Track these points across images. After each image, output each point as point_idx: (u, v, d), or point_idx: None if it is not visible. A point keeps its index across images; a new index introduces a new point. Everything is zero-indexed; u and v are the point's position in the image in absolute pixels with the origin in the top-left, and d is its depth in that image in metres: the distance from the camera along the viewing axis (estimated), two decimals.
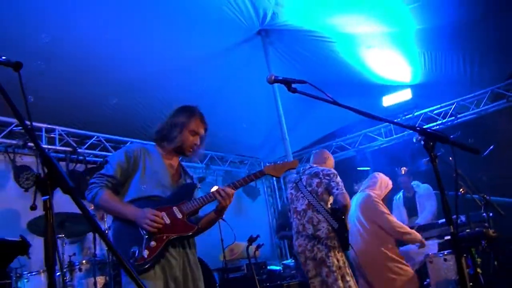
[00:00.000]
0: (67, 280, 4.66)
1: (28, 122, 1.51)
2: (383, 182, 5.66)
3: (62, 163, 6.77)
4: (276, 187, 10.58)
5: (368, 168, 8.66)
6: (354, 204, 5.45)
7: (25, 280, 4.57)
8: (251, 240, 5.09)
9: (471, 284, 4.38)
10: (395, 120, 8.38)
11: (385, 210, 5.32)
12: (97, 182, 2.86)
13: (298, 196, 4.71)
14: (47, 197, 1.36)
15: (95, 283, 4.73)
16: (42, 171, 1.39)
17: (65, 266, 4.83)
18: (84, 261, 4.98)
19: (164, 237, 2.81)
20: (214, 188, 3.01)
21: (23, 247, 1.48)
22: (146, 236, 2.76)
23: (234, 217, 8.60)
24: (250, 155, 9.80)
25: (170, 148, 3.09)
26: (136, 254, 2.71)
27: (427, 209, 6.45)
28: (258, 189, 9.60)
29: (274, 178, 10.53)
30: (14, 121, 6.11)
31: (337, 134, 9.51)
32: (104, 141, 7.11)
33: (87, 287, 4.77)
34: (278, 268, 7.62)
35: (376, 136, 8.97)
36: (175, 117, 3.13)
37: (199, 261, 5.25)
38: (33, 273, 4.71)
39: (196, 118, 3.13)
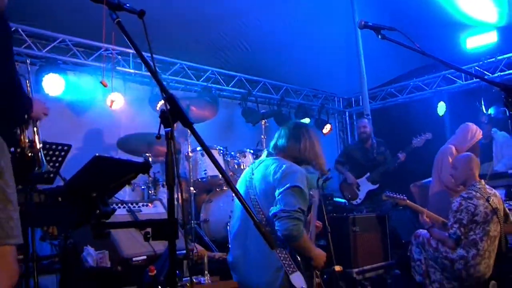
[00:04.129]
0: (152, 194, 5.15)
1: (152, 64, 1.75)
2: (471, 132, 5.66)
3: (147, 87, 7.20)
4: (348, 122, 10.67)
5: (444, 106, 8.47)
6: None
7: None
8: (322, 173, 5.31)
9: None
10: (478, 63, 8.16)
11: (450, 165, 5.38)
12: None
13: (494, 220, 4.34)
14: (169, 129, 1.63)
15: (177, 198, 5.21)
16: (165, 106, 1.65)
17: (151, 181, 5.31)
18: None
19: None
20: None
21: (146, 167, 1.78)
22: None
23: None
24: (324, 90, 9.87)
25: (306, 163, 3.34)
26: None
27: (507, 156, 6.40)
28: (329, 124, 9.71)
29: (347, 113, 10.61)
30: (103, 45, 6.48)
31: (415, 73, 9.31)
32: (187, 69, 7.44)
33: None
34: (343, 201, 7.92)
35: (455, 79, 8.71)
36: (313, 140, 3.36)
37: None
38: None
39: None
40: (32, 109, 2.65)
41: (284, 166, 3.04)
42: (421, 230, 4.76)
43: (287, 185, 2.90)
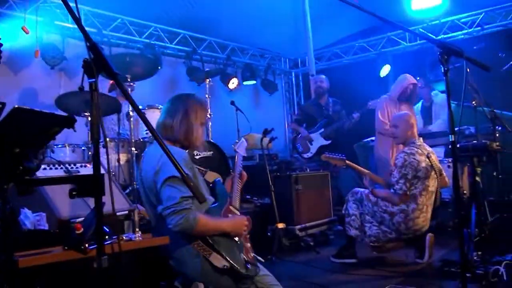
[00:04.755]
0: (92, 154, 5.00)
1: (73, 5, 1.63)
2: (402, 80, 6.02)
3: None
4: (294, 83, 10.70)
5: (388, 68, 8.58)
6: None
7: (49, 150, 4.92)
8: (265, 132, 5.33)
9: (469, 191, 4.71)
10: (422, 26, 8.28)
11: (379, 112, 5.96)
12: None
13: (433, 175, 4.52)
14: (93, 79, 1.54)
15: (118, 159, 5.11)
16: (88, 56, 1.56)
17: (91, 141, 5.16)
18: (108, 139, 5.30)
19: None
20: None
21: (70, 120, 1.69)
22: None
23: (251, 110, 8.85)
24: (271, 49, 9.79)
25: (182, 145, 2.98)
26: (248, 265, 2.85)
27: (441, 117, 6.64)
28: (275, 84, 9.70)
29: (293, 74, 10.63)
30: None
31: (360, 35, 9.36)
32: (128, 24, 7.17)
33: (111, 162, 5.12)
34: (288, 160, 8.03)
35: (399, 40, 8.84)
36: (188, 113, 2.95)
37: (215, 146, 5.58)
38: (59, 145, 5.07)
39: (206, 108, 3.09)
40: None
41: (158, 156, 2.74)
42: (358, 188, 4.88)
43: (162, 179, 2.67)
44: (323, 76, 7.48)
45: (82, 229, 1.66)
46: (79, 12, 6.55)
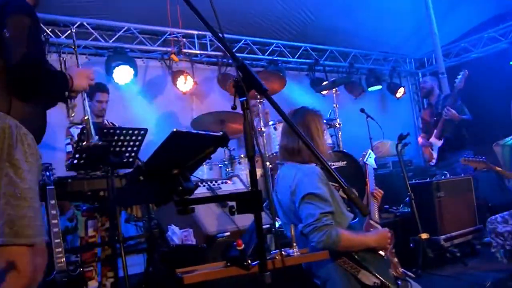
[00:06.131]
0: (229, 171, 5.19)
1: (220, 34, 1.68)
2: None
3: (214, 67, 7.25)
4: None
5: None
6: None
7: None
8: (401, 138, 5.09)
9: None
10: None
11: None
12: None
13: None
14: (244, 98, 1.57)
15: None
16: (238, 75, 1.60)
17: (227, 158, 5.36)
18: (242, 155, 5.47)
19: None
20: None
21: (224, 138, 1.74)
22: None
23: (378, 115, 8.59)
24: (394, 51, 9.48)
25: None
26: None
27: None
28: (402, 87, 9.34)
29: (420, 74, 10.15)
30: (168, 30, 6.56)
31: (488, 24, 8.67)
32: (251, 44, 7.39)
33: (246, 177, 5.26)
34: (422, 166, 7.65)
35: None
36: (310, 128, 2.90)
37: (348, 155, 5.46)
38: None
39: (321, 115, 3.03)
40: (71, 83, 2.48)
41: (292, 176, 2.77)
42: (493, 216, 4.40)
43: (299, 198, 2.67)
44: (426, 78, 7.27)
45: (243, 246, 1.69)
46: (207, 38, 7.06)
